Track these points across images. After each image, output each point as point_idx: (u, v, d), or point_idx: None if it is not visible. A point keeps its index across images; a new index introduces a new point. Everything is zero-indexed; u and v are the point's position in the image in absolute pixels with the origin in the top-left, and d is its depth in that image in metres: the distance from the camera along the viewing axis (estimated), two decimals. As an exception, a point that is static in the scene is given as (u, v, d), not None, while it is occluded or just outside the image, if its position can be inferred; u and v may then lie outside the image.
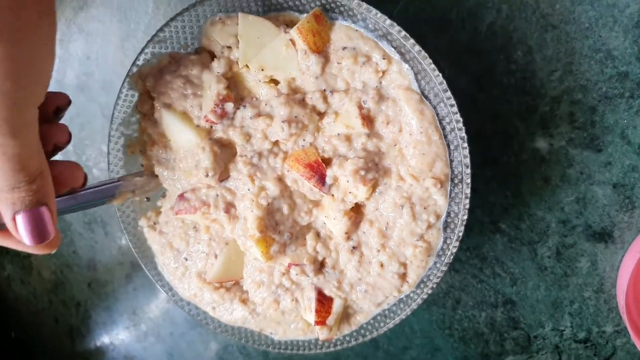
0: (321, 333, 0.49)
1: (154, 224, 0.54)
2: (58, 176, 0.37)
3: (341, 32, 0.45)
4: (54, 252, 0.38)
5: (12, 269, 0.75)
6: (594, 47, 0.51)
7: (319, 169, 0.46)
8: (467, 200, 0.45)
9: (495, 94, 0.54)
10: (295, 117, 0.46)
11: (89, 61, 0.66)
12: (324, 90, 0.46)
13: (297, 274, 0.49)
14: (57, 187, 0.36)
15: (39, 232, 0.33)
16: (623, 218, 0.54)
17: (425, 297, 0.48)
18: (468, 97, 0.54)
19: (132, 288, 0.70)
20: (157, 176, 0.51)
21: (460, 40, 0.54)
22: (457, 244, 0.46)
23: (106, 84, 0.66)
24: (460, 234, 0.46)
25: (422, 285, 0.48)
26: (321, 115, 0.47)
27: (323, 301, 0.49)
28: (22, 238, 0.33)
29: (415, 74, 0.45)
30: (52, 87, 0.67)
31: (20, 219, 0.32)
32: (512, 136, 0.54)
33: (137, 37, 0.64)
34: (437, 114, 0.45)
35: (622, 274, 0.53)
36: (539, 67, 0.53)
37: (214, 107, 0.45)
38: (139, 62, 0.49)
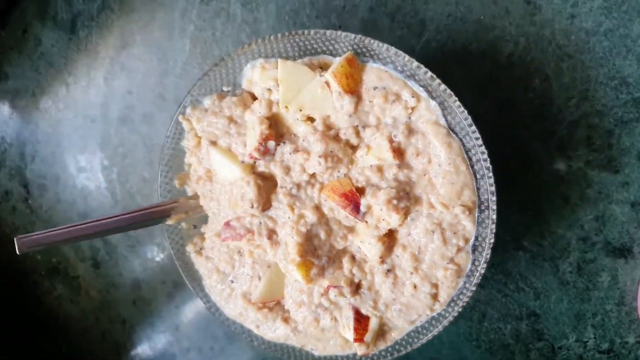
0: (359, 349, 0.53)
1: (200, 249, 0.59)
2: None
3: (372, 74, 0.49)
4: None
5: (63, 289, 0.80)
6: (608, 75, 0.54)
7: (353, 198, 0.50)
8: (494, 225, 0.48)
9: (515, 120, 0.57)
10: (331, 151, 0.50)
11: (131, 96, 0.71)
12: (357, 125, 0.50)
13: (335, 295, 0.52)
14: None
15: None
16: (641, 235, 0.56)
17: (455, 314, 0.51)
18: (490, 123, 0.58)
19: (175, 306, 0.75)
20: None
21: (481, 70, 0.57)
22: (485, 265, 0.49)
23: (146, 116, 0.71)
24: (488, 256, 0.49)
25: (452, 304, 0.52)
26: (354, 148, 0.51)
27: (360, 320, 0.53)
28: None
29: (442, 110, 0.48)
30: (98, 121, 0.73)
31: None
32: (533, 159, 0.58)
33: (175, 73, 0.69)
34: (464, 146, 0.49)
35: (642, 288, 0.56)
36: (556, 95, 0.56)
37: (258, 146, 0.50)
38: (187, 104, 0.54)
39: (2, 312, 0.83)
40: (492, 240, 0.49)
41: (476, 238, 0.50)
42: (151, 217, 0.54)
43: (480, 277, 0.50)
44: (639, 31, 0.53)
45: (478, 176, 0.49)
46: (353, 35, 0.47)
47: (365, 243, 0.51)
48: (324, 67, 0.50)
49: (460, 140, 0.49)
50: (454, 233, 0.49)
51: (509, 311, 0.62)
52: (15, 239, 0.48)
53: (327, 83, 0.49)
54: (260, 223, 0.53)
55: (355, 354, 0.55)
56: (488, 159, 0.47)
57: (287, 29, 0.62)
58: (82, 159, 0.75)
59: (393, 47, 0.47)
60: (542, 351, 0.62)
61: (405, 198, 0.50)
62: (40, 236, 0.50)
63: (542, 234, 0.59)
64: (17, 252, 0.49)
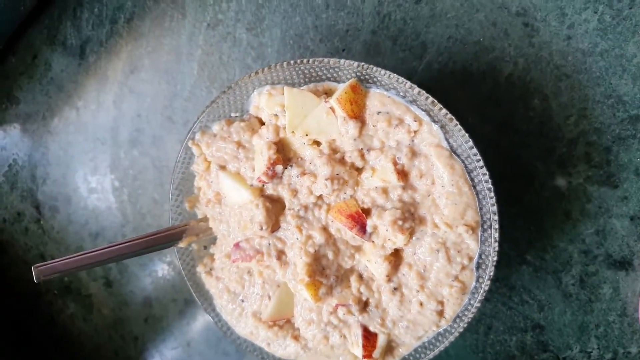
0: (368, 365, 0.54)
1: (210, 270, 0.60)
2: None
3: (375, 99, 0.51)
4: None
5: (75, 307, 0.82)
6: (605, 94, 0.56)
7: (359, 219, 0.52)
8: (497, 244, 0.50)
9: (516, 139, 0.59)
10: (337, 174, 0.51)
11: (140, 119, 0.73)
12: (362, 149, 0.52)
13: (344, 314, 0.54)
14: None
15: None
16: (641, 248, 0.58)
17: (461, 330, 0.52)
18: (491, 142, 0.59)
19: (186, 322, 0.76)
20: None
21: (482, 91, 0.59)
22: (488, 282, 0.51)
23: (156, 139, 0.73)
24: (492, 274, 0.51)
25: (457, 320, 0.53)
26: (359, 170, 0.53)
27: (368, 337, 0.54)
28: None
29: (444, 133, 0.50)
30: (108, 144, 0.75)
31: None
32: (533, 176, 0.59)
33: (184, 96, 0.70)
34: (466, 167, 0.50)
35: (644, 300, 0.57)
36: (555, 113, 0.58)
37: (266, 170, 0.51)
38: (196, 129, 0.55)
39: (17, 330, 0.84)
40: (496, 258, 0.50)
41: (480, 256, 0.51)
42: (164, 241, 0.56)
43: (484, 294, 0.51)
44: (633, 51, 0.54)
45: (480, 196, 0.50)
46: (356, 64, 0.49)
47: (372, 262, 0.53)
48: (328, 93, 0.52)
49: (462, 162, 0.50)
50: (458, 252, 0.51)
51: (514, 323, 0.64)
52: (32, 269, 0.50)
53: (332, 109, 0.50)
54: (269, 244, 0.54)
55: (364, 370, 0.56)
56: (490, 180, 0.49)
57: (292, 53, 0.64)
58: (93, 180, 0.76)
59: (395, 74, 0.48)
60: (547, 363, 0.64)
61: (410, 218, 0.51)
62: (57, 264, 0.52)
63: (545, 248, 0.61)
64: (35, 281, 0.50)
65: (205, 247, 0.61)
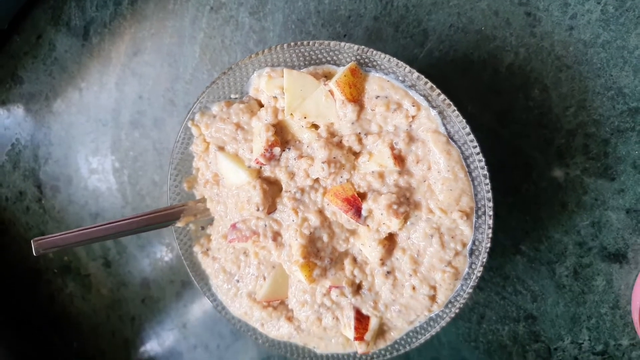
0: (359, 347, 0.55)
1: (207, 250, 0.61)
2: None
3: (374, 83, 0.51)
4: None
5: (74, 287, 0.83)
6: (605, 86, 0.56)
7: (355, 203, 0.52)
8: (490, 230, 0.50)
9: (515, 128, 0.59)
10: (334, 157, 0.52)
11: (142, 101, 0.74)
12: (359, 133, 0.52)
13: (337, 295, 0.54)
14: None
15: None
16: (636, 240, 0.58)
17: (452, 315, 0.53)
18: (490, 131, 0.60)
19: (183, 304, 0.77)
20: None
21: (482, 80, 0.59)
22: (481, 269, 0.51)
23: (157, 121, 0.73)
24: (485, 260, 0.51)
25: (450, 305, 0.53)
26: (357, 155, 0.53)
27: (361, 319, 0.55)
28: None
29: (442, 119, 0.50)
30: (109, 125, 0.75)
31: None
32: (531, 166, 0.59)
33: (186, 79, 0.71)
34: (462, 154, 0.50)
35: (636, 292, 0.58)
36: (554, 104, 0.58)
37: (264, 152, 0.52)
38: (196, 110, 0.56)
39: (17, 308, 0.85)
40: (489, 245, 0.50)
41: (473, 242, 0.52)
42: (162, 220, 0.56)
43: (477, 280, 0.51)
44: (635, 43, 0.54)
45: (476, 183, 0.50)
46: (356, 47, 0.49)
47: (366, 246, 0.53)
48: (328, 77, 0.52)
49: (459, 148, 0.50)
50: (452, 237, 0.51)
51: (507, 313, 0.64)
52: (32, 242, 0.51)
53: (331, 92, 0.51)
54: (266, 225, 0.55)
55: (355, 353, 0.57)
56: (485, 166, 0.49)
57: (294, 38, 0.64)
58: (94, 161, 0.77)
59: (394, 58, 0.49)
60: (539, 352, 0.64)
61: (405, 203, 0.51)
62: (56, 238, 0.52)
63: (540, 239, 0.61)
64: (34, 254, 0.51)
65: (202, 228, 0.61)
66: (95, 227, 0.53)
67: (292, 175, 0.54)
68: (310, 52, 0.52)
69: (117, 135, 0.75)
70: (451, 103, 0.49)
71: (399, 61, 0.49)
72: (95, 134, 0.76)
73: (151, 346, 0.81)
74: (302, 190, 0.54)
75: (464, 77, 0.60)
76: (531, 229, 0.61)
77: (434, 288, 0.53)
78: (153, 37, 0.71)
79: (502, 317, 0.65)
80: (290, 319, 0.58)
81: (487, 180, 0.49)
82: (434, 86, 0.49)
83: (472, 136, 0.49)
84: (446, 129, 0.51)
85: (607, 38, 0.55)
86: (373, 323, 0.55)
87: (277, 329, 0.59)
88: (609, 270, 0.59)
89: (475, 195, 0.51)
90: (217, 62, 0.68)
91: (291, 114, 0.52)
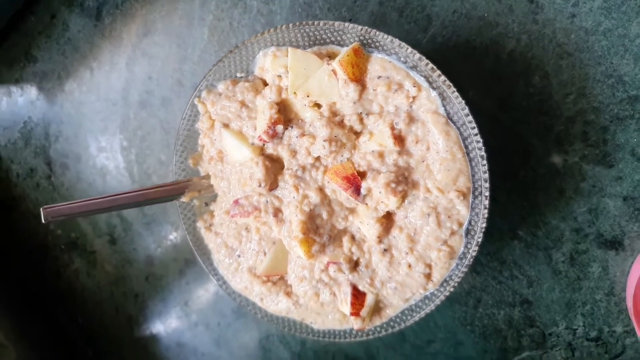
0: (355, 323, 0.56)
1: (210, 225, 0.63)
2: None
3: (377, 64, 0.52)
4: None
5: (80, 263, 0.85)
6: (606, 73, 0.57)
7: (354, 181, 0.53)
8: (486, 210, 0.51)
9: (515, 114, 0.60)
10: (335, 136, 0.53)
11: (151, 81, 0.75)
12: (361, 113, 0.53)
13: (334, 271, 0.56)
14: None
15: None
16: (633, 228, 0.59)
17: (447, 294, 0.54)
18: (491, 117, 0.60)
19: (185, 282, 0.79)
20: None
21: (484, 66, 0.60)
22: (476, 248, 0.52)
23: (165, 101, 0.75)
24: (480, 240, 0.52)
25: (445, 284, 0.54)
26: (357, 134, 0.54)
27: (357, 295, 0.56)
28: None
29: (442, 100, 0.51)
30: (119, 105, 0.77)
31: None
32: (530, 153, 0.60)
33: (194, 60, 0.72)
34: (461, 135, 0.52)
35: (632, 279, 0.58)
36: (555, 91, 0.58)
37: (267, 129, 0.53)
38: (202, 88, 0.57)
39: (25, 283, 0.88)
40: (484, 225, 0.51)
41: (469, 222, 0.53)
42: (167, 194, 0.58)
43: (471, 260, 0.52)
44: (636, 31, 0.55)
45: (473, 163, 0.51)
46: (360, 27, 0.50)
47: (364, 224, 0.55)
48: (331, 57, 0.53)
49: (458, 129, 0.51)
50: (449, 217, 0.52)
51: (503, 298, 0.65)
52: (41, 209, 0.53)
53: (334, 71, 0.52)
54: (267, 201, 0.56)
55: (352, 329, 0.58)
56: (483, 147, 0.50)
57: (300, 21, 0.65)
58: (103, 139, 0.79)
59: (397, 39, 0.50)
60: (533, 337, 0.65)
61: (404, 182, 0.53)
62: (64, 207, 0.54)
63: (537, 225, 0.62)
64: (43, 221, 0.53)
65: (206, 204, 0.63)
66: (101, 197, 0.55)
67: (294, 153, 0.55)
68: (315, 32, 0.53)
69: (125, 114, 0.77)
70: (451, 84, 0.50)
71: (401, 42, 0.50)
72: (105, 113, 0.78)
73: (153, 323, 0.83)
74: (304, 168, 0.55)
75: (465, 62, 0.61)
76: (528, 214, 0.62)
77: (429, 266, 0.54)
78: (163, 18, 0.72)
79: (498, 302, 0.65)
80: (288, 294, 0.59)
81: (485, 161, 0.50)
82: (435, 67, 0.50)
83: (470, 117, 0.50)
84: (446, 110, 0.52)
85: (608, 26, 0.56)
86: (369, 299, 0.56)
87: (276, 304, 0.60)
88: (604, 257, 0.60)
89: (473, 176, 0.52)
90: (224, 44, 0.69)
91: (294, 92, 0.53)
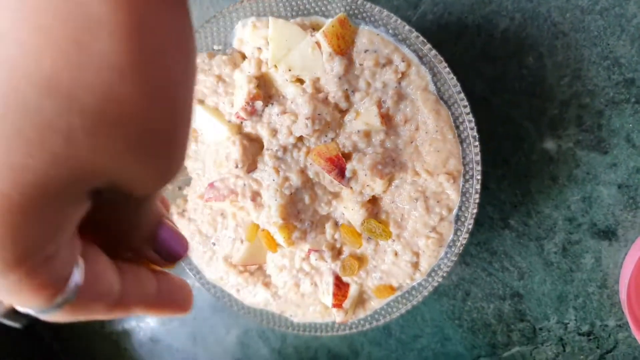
0: (337, 315, 0.53)
1: (183, 211, 0.58)
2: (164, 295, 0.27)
3: (364, 36, 0.49)
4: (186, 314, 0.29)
5: (47, 253, 0.80)
6: (602, 55, 0.54)
7: (339, 163, 0.50)
8: (477, 195, 0.48)
9: (507, 97, 0.57)
10: (319, 114, 0.49)
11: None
12: (346, 89, 0.50)
13: (316, 259, 0.52)
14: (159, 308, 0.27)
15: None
16: (627, 217, 0.56)
17: (435, 284, 0.51)
18: (482, 100, 0.58)
19: (159, 273, 0.74)
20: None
21: (476, 45, 0.57)
22: (466, 235, 0.49)
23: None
24: (470, 227, 0.49)
25: (433, 274, 0.51)
26: (343, 112, 0.51)
27: (340, 286, 0.52)
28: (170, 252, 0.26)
29: (432, 77, 0.48)
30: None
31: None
32: (523, 138, 0.57)
33: (171, 37, 0.68)
34: (452, 114, 0.48)
35: (625, 271, 0.56)
36: (549, 73, 0.56)
37: (245, 105, 0.49)
38: (176, 61, 0.53)
39: None
40: (475, 211, 0.48)
41: (460, 208, 0.50)
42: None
43: (461, 248, 0.49)
44: (634, 11, 0.53)
45: (464, 145, 0.48)
46: (346, -4, 0.47)
47: (348, 209, 0.51)
48: (316, 28, 0.50)
49: (449, 108, 0.48)
50: (438, 202, 0.49)
51: (493, 290, 0.62)
52: None
53: (317, 43, 0.48)
54: (245, 185, 0.52)
55: (334, 322, 0.54)
56: (475, 127, 0.47)
57: (283, -4, 0.62)
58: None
59: (385, 10, 0.46)
60: (524, 332, 0.62)
61: (391, 164, 0.49)
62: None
63: (529, 213, 0.59)
64: None
65: (179, 188, 0.59)
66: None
67: (274, 132, 0.51)
68: (299, 2, 0.49)
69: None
70: (442, 59, 0.47)
71: (390, 13, 0.47)
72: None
73: (126, 317, 0.78)
74: (285, 149, 0.51)
75: (457, 42, 0.58)
76: (520, 202, 0.59)
77: (417, 254, 0.51)
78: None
79: (488, 295, 0.63)
80: (267, 284, 0.56)
81: (477, 142, 0.47)
82: (425, 40, 0.47)
83: (462, 95, 0.47)
84: (436, 87, 0.49)
85: (605, 5, 0.53)
86: (352, 290, 0.53)
87: (253, 296, 0.56)
88: (598, 248, 0.58)
89: (464, 158, 0.49)
90: (203, 16, 0.65)
91: (275, 65, 0.49)
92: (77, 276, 0.20)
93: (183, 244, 0.27)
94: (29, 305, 0.19)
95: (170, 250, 0.26)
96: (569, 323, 0.60)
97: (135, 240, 0.25)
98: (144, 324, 0.78)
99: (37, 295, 0.18)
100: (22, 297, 0.18)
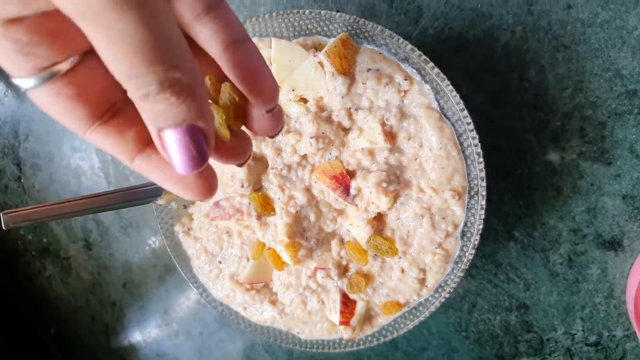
0: (345, 333, 0.53)
1: (188, 229, 0.59)
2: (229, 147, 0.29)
3: (366, 55, 0.49)
4: (207, 200, 0.30)
5: (53, 269, 0.80)
6: (603, 67, 0.54)
7: (343, 181, 0.50)
8: (483, 211, 0.48)
9: (509, 110, 0.57)
10: (323, 133, 0.50)
11: (127, 77, 0.71)
12: (350, 108, 0.50)
13: (322, 277, 0.52)
14: (223, 157, 0.29)
15: (189, 156, 0.23)
16: (632, 227, 0.56)
17: (442, 300, 0.51)
18: (484, 113, 0.58)
19: (165, 289, 0.75)
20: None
21: (477, 59, 0.57)
22: (473, 251, 0.49)
23: (143, 98, 0.71)
24: (477, 242, 0.49)
25: (440, 290, 0.51)
26: (346, 131, 0.51)
27: (347, 303, 0.53)
28: (171, 160, 0.24)
29: (435, 94, 0.48)
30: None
31: (168, 136, 0.23)
32: (526, 150, 0.58)
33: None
34: (456, 131, 0.49)
35: (632, 281, 0.56)
36: (551, 85, 0.56)
37: (249, 124, 0.49)
38: (180, 82, 0.53)
39: (-8, 291, 0.82)
40: (481, 227, 0.49)
41: (465, 224, 0.50)
42: (143, 196, 0.54)
43: (468, 263, 0.50)
44: (634, 23, 0.53)
45: (469, 161, 0.49)
46: (348, 16, 0.47)
47: (354, 226, 0.51)
48: (318, 48, 0.50)
49: (452, 125, 0.49)
50: (443, 218, 0.49)
51: (499, 302, 0.62)
52: (1, 214, 0.48)
53: (320, 63, 0.49)
54: (250, 203, 0.53)
55: (341, 339, 0.55)
56: (479, 144, 0.47)
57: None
58: (77, 138, 0.74)
59: (387, 29, 0.47)
60: (531, 343, 0.62)
61: (395, 181, 0.49)
62: (29, 211, 0.50)
63: (534, 225, 0.59)
64: (3, 227, 0.48)
65: (184, 207, 0.59)
66: (70, 200, 0.51)
67: (278, 151, 0.52)
68: (301, 22, 0.50)
69: (100, 113, 0.72)
70: (445, 77, 0.47)
71: (391, 32, 0.47)
72: (79, 112, 0.74)
73: (131, 332, 0.78)
74: (289, 167, 0.52)
75: (458, 56, 0.58)
76: (524, 214, 0.59)
77: (423, 271, 0.51)
78: (140, 11, 0.68)
79: (494, 306, 0.63)
80: (274, 302, 0.56)
81: (481, 159, 0.48)
82: (427, 59, 0.47)
83: (465, 112, 0.47)
84: (439, 104, 0.49)
85: (605, 17, 0.53)
86: (360, 307, 0.53)
87: (260, 313, 0.56)
88: (603, 258, 0.58)
89: (468, 174, 0.49)
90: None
91: (279, 85, 0.49)
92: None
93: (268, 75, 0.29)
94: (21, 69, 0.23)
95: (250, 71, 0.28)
96: (576, 334, 0.60)
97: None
98: (150, 339, 0.78)
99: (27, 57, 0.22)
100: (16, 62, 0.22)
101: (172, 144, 0.23)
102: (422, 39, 0.58)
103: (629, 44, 0.53)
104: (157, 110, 0.21)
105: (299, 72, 0.49)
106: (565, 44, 0.55)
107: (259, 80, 0.28)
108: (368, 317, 0.54)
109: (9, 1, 0.20)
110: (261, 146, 0.51)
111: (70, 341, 0.82)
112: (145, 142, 0.27)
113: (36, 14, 0.21)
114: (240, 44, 0.27)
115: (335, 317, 0.52)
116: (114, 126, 0.26)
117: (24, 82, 0.23)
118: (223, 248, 0.56)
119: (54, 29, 0.23)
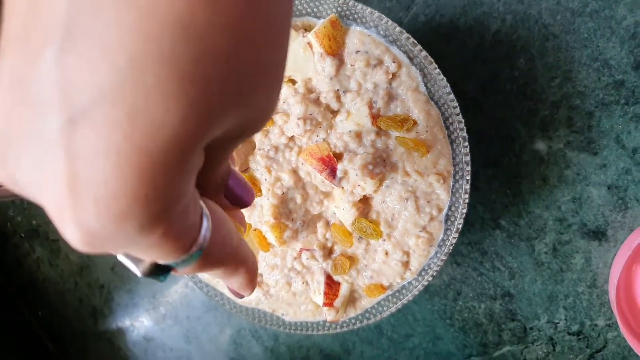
0: (329, 314, 0.53)
1: (177, 210, 0.59)
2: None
3: (355, 37, 0.49)
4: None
5: (42, 252, 0.80)
6: (592, 56, 0.55)
7: (330, 163, 0.50)
8: (467, 195, 0.48)
9: (498, 98, 0.58)
10: (310, 114, 0.50)
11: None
12: (338, 90, 0.50)
13: (307, 259, 0.53)
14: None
15: None
16: (616, 218, 0.57)
17: (425, 283, 0.51)
18: (473, 101, 0.58)
19: (153, 272, 0.75)
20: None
21: (467, 47, 0.58)
22: (456, 235, 0.49)
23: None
24: (460, 226, 0.49)
25: (423, 273, 0.52)
26: (334, 113, 0.51)
27: (331, 284, 0.53)
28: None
29: (423, 77, 0.49)
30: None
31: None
32: (514, 138, 0.58)
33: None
34: (442, 114, 0.49)
35: (614, 271, 0.56)
36: (540, 74, 0.56)
37: (237, 104, 0.50)
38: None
39: (-20, 271, 0.82)
40: (465, 211, 0.49)
41: (450, 208, 0.50)
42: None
43: (451, 247, 0.50)
44: (623, 13, 0.53)
45: (455, 145, 0.49)
46: (337, -2, 0.48)
47: (340, 208, 0.51)
48: (307, 29, 0.50)
49: (439, 108, 0.49)
50: (428, 202, 0.49)
51: (484, 290, 0.63)
52: None
53: (309, 44, 0.49)
54: (237, 184, 0.53)
55: (325, 321, 0.55)
56: (465, 128, 0.48)
57: (277, -3, 0.62)
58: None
59: (377, 11, 0.47)
60: (514, 331, 0.62)
61: (381, 164, 0.50)
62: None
63: (520, 214, 0.60)
64: None
65: (173, 187, 0.59)
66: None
67: (266, 132, 0.52)
68: (290, 3, 0.50)
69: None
70: (432, 60, 0.47)
71: (381, 14, 0.47)
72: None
73: (120, 316, 0.78)
74: (276, 149, 0.52)
75: (448, 44, 0.58)
76: (511, 203, 0.59)
77: (407, 254, 0.51)
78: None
79: (479, 295, 0.63)
80: (259, 283, 0.56)
81: (466, 143, 0.48)
82: (416, 42, 0.47)
83: (452, 96, 0.47)
84: (427, 88, 0.49)
85: (595, 7, 0.54)
86: (344, 289, 0.53)
87: (245, 294, 0.57)
88: (588, 248, 0.58)
89: (454, 159, 0.49)
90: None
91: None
92: (206, 223, 0.21)
93: (250, 191, 0.28)
94: (171, 257, 0.20)
95: (239, 197, 0.27)
96: (559, 323, 0.61)
97: (210, 187, 0.25)
98: (138, 323, 0.78)
99: (177, 246, 0.19)
100: (164, 251, 0.19)
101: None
102: (413, 25, 0.59)
103: (617, 34, 0.54)
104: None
105: (288, 52, 0.49)
106: (555, 33, 0.55)
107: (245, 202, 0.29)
108: (352, 299, 0.54)
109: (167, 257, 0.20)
110: (249, 126, 0.52)
111: (58, 324, 0.82)
112: None
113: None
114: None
115: (319, 299, 0.53)
116: None
117: (179, 262, 0.21)
118: (209, 228, 0.56)
119: None
